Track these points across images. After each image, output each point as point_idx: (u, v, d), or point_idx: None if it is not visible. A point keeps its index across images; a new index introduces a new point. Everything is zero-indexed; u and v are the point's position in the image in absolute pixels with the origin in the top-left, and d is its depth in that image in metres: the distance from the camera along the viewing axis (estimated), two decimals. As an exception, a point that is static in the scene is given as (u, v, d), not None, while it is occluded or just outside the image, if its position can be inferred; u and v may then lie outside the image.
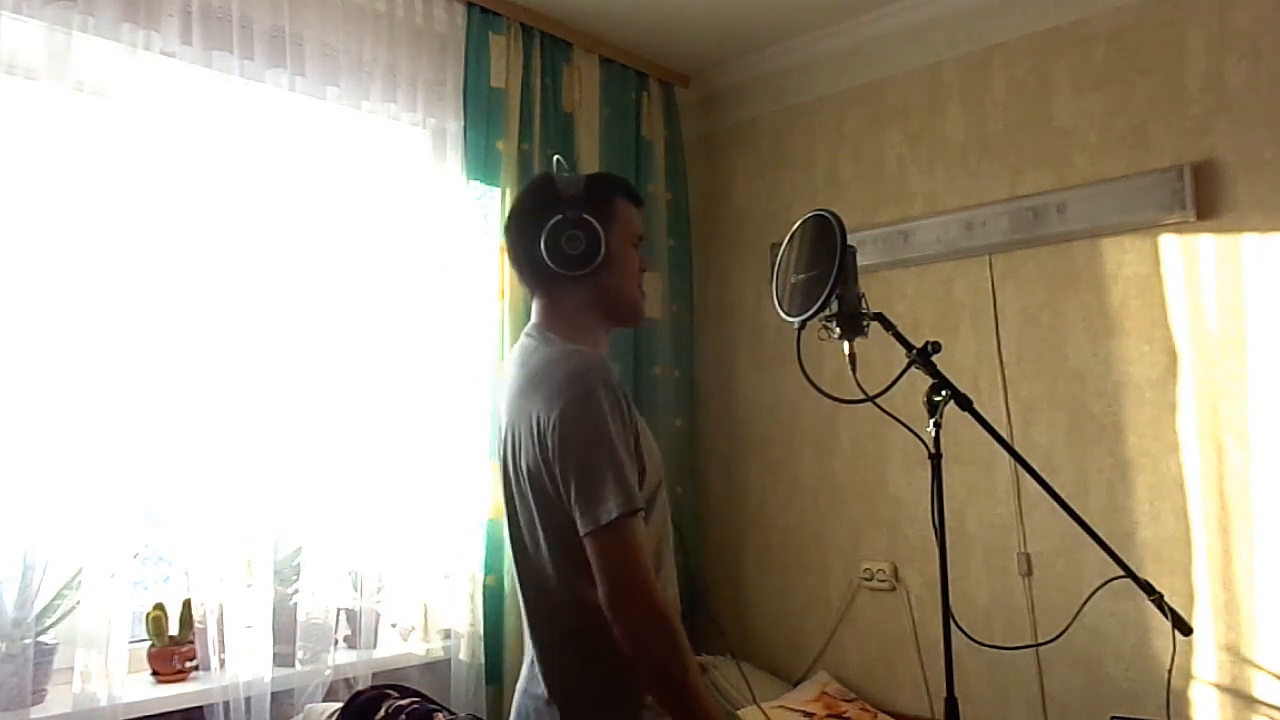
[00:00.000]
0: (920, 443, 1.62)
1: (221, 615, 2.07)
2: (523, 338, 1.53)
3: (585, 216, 1.47)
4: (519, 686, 1.50)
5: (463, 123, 2.58)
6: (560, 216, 1.47)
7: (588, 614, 1.35)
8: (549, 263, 1.47)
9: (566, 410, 1.35)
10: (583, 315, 1.52)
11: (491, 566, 2.50)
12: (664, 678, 1.31)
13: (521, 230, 1.52)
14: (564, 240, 1.46)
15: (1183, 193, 2.25)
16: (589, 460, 1.33)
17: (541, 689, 1.42)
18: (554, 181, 1.51)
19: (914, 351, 1.60)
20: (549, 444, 1.36)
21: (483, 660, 2.44)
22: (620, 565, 1.31)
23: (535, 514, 1.41)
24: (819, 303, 1.58)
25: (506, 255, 1.59)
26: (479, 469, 2.51)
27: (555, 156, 1.58)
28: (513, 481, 1.45)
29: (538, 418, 1.38)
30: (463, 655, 2.45)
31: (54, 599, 1.93)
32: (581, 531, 1.32)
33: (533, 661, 1.46)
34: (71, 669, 1.89)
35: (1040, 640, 2.39)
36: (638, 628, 1.30)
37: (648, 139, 3.08)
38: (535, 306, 1.55)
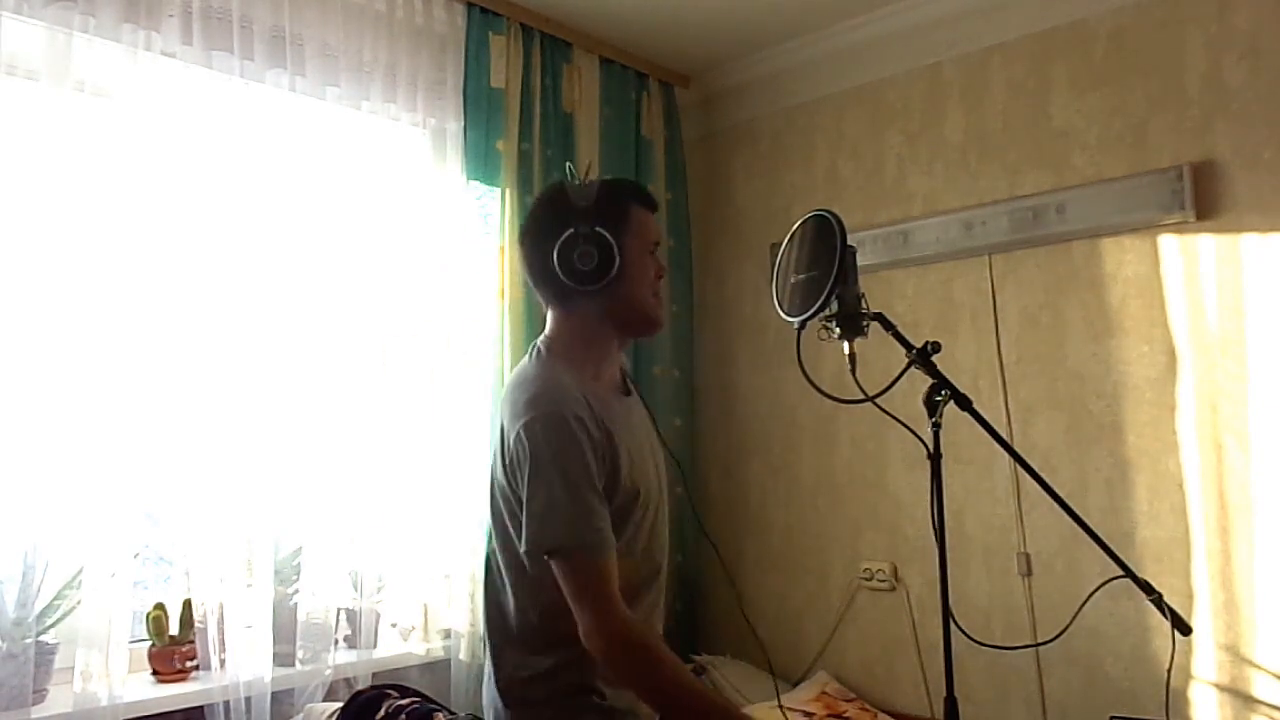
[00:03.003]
0: (920, 443, 1.62)
1: (222, 615, 2.08)
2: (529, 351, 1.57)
3: (598, 229, 1.45)
4: (484, 681, 1.56)
5: (463, 123, 2.58)
6: (572, 231, 1.45)
7: (529, 628, 1.44)
8: (563, 278, 1.47)
9: (525, 430, 1.39)
10: (595, 328, 1.53)
11: (491, 566, 2.51)
12: (650, 695, 1.40)
13: (535, 245, 1.52)
14: (576, 256, 1.45)
15: (1182, 193, 2.25)
16: (548, 483, 1.37)
17: (493, 687, 1.49)
18: (566, 191, 1.50)
19: (914, 351, 1.60)
20: (507, 461, 1.43)
21: (483, 660, 2.44)
22: (588, 596, 1.36)
23: (496, 522, 1.49)
24: (819, 303, 1.58)
25: (523, 268, 1.58)
26: (479, 469, 2.51)
27: (567, 164, 1.58)
28: (489, 490, 1.52)
29: (503, 432, 1.44)
30: (463, 655, 2.45)
31: (55, 599, 1.93)
32: (537, 550, 1.37)
33: (488, 658, 1.52)
34: (72, 669, 1.89)
35: (1040, 640, 2.39)
36: (611, 656, 1.36)
37: (648, 139, 3.08)
38: (549, 318, 1.57)
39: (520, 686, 1.46)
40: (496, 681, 1.48)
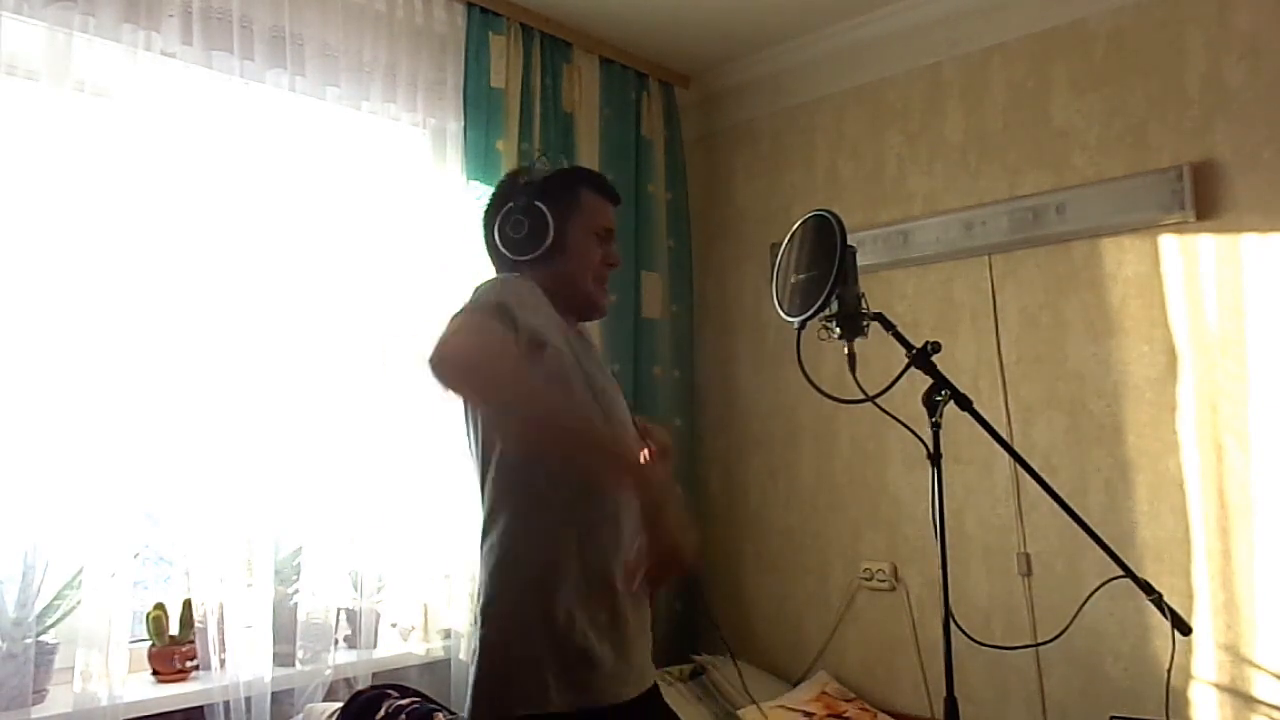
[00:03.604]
0: (920, 443, 1.62)
1: (222, 615, 2.08)
2: None
3: (535, 203, 1.51)
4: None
5: (463, 123, 2.58)
6: (512, 204, 1.53)
7: (505, 536, 1.42)
8: (501, 248, 1.55)
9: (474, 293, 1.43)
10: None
11: (491, 566, 2.50)
12: (499, 398, 1.34)
13: (486, 220, 1.60)
14: (509, 225, 1.52)
15: (1182, 193, 2.25)
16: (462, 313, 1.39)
17: (476, 612, 1.46)
18: (520, 173, 1.60)
19: (914, 351, 1.60)
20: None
21: (483, 660, 2.44)
22: (461, 336, 1.33)
23: (469, 444, 1.49)
24: (819, 303, 1.58)
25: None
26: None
27: (539, 154, 1.62)
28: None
29: None
30: (463, 655, 2.45)
31: (55, 599, 1.93)
32: (434, 351, 1.31)
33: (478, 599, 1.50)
34: (72, 669, 1.89)
35: (1040, 640, 2.39)
36: (449, 379, 1.29)
37: (648, 139, 3.08)
38: None
39: (498, 616, 1.42)
40: (482, 617, 1.44)
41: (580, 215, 1.55)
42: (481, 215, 1.62)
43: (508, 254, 1.53)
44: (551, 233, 1.50)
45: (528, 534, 1.41)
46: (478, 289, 1.47)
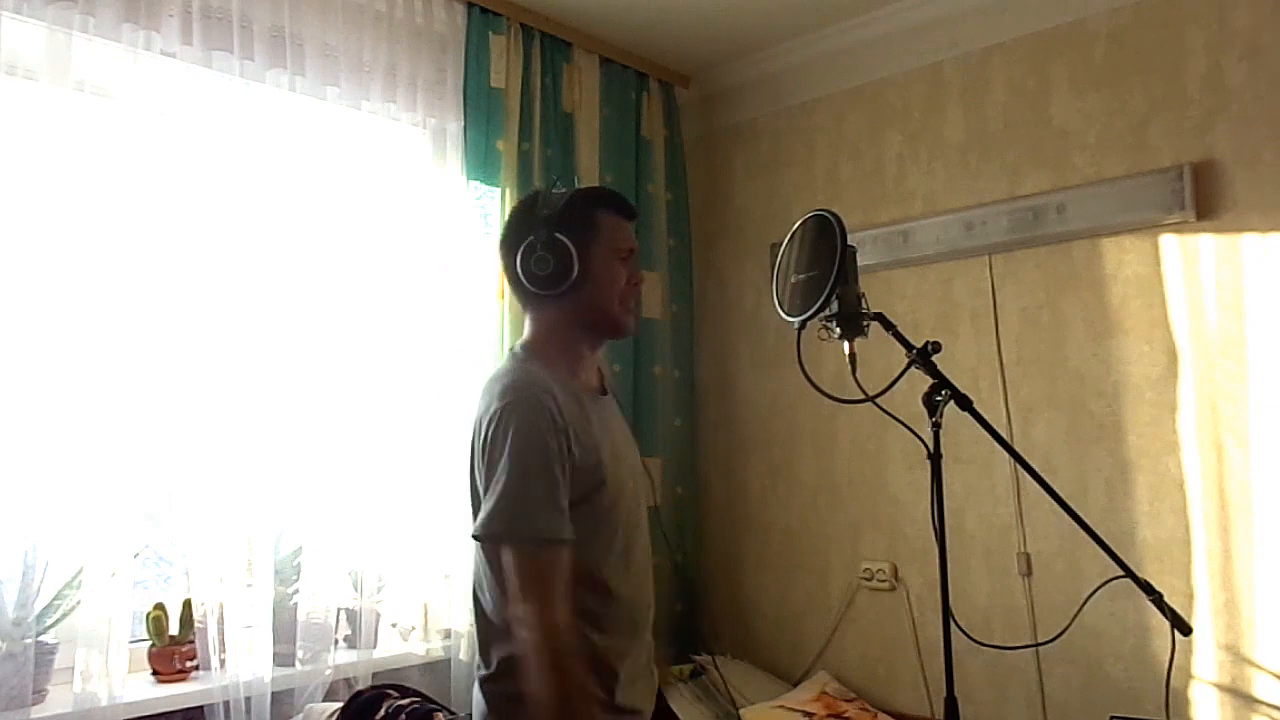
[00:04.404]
0: (920, 443, 1.62)
1: (222, 615, 2.08)
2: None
3: (556, 235, 1.49)
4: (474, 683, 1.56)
5: (463, 123, 2.58)
6: (532, 238, 1.50)
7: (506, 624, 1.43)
8: (526, 284, 1.52)
9: (495, 415, 1.42)
10: (564, 331, 1.56)
11: (491, 566, 2.50)
12: (538, 705, 1.35)
13: (506, 252, 1.57)
14: (533, 262, 1.50)
15: (1182, 193, 2.25)
16: (508, 473, 1.38)
17: (478, 688, 1.48)
18: (537, 200, 1.55)
19: (914, 351, 1.60)
20: (476, 449, 1.46)
21: (483, 660, 2.44)
22: (524, 587, 1.36)
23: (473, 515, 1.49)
24: (819, 303, 1.59)
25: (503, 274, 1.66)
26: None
27: (556, 178, 1.61)
28: (469, 488, 1.53)
29: (477, 422, 1.48)
30: (463, 655, 2.45)
31: (55, 598, 1.93)
32: (485, 535, 1.39)
33: (477, 657, 1.53)
34: (72, 669, 1.89)
35: (1040, 640, 2.39)
36: (535, 651, 1.34)
37: (648, 139, 3.08)
38: (526, 322, 1.61)
39: (502, 683, 1.44)
40: (481, 681, 1.47)
41: (600, 240, 1.53)
42: (499, 245, 1.61)
43: (533, 290, 1.52)
44: (576, 265, 1.49)
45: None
46: (496, 407, 1.43)
